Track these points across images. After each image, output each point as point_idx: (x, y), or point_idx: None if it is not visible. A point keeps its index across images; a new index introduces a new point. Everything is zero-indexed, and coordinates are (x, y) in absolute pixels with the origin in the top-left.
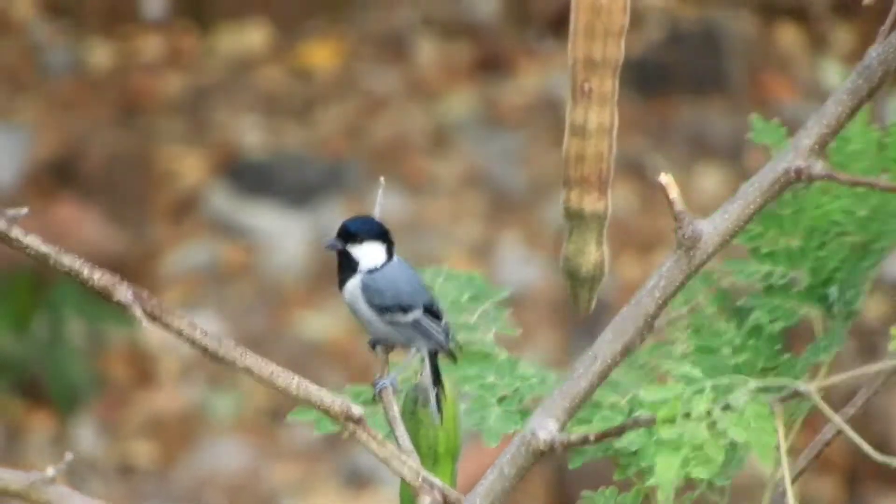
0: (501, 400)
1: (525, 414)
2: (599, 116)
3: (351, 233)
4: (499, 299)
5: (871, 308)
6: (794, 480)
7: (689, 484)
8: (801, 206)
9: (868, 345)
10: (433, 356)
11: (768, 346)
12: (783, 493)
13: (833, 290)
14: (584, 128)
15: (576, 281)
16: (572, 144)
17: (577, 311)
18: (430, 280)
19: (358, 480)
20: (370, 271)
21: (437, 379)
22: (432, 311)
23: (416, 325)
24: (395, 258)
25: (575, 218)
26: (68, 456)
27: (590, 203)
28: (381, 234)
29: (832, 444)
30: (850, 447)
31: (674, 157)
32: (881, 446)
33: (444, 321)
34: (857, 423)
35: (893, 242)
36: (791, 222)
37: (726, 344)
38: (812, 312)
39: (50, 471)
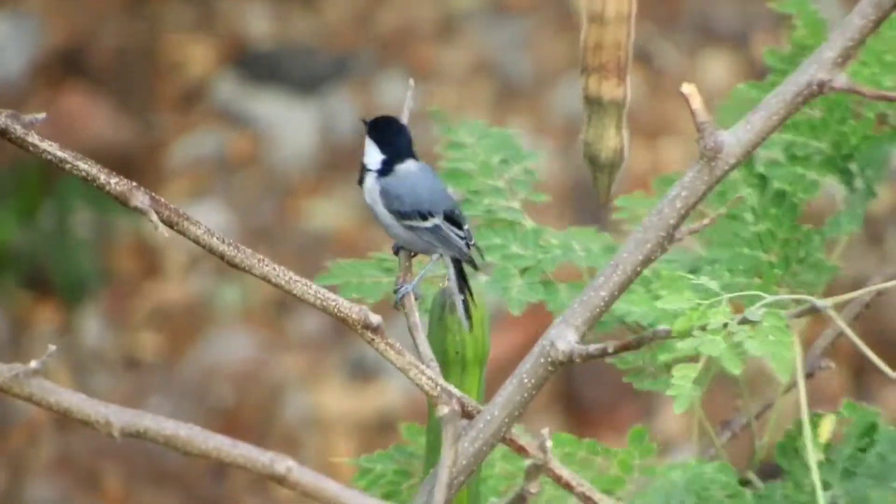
0: (524, 271)
1: (549, 284)
2: (618, 4)
3: (381, 135)
4: (529, 164)
5: (879, 198)
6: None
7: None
8: None
9: (875, 234)
10: (457, 262)
11: (789, 216)
12: (820, 355)
13: (854, 166)
14: (601, 15)
15: (596, 166)
16: (591, 32)
17: (598, 196)
18: (464, 136)
19: (364, 372)
20: (389, 174)
21: (463, 285)
22: (453, 219)
23: (435, 231)
24: (417, 162)
25: (594, 105)
26: (51, 348)
27: (608, 90)
28: (407, 141)
29: (840, 336)
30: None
31: (680, 44)
32: (888, 337)
33: (465, 227)
34: (866, 317)
35: None
36: None
37: (748, 210)
38: (833, 186)
39: (33, 363)
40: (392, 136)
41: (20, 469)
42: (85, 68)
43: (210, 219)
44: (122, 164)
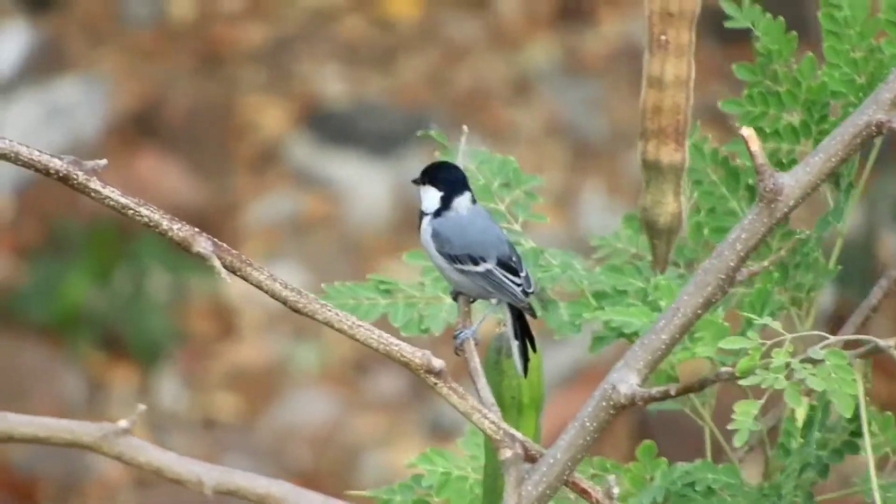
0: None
1: (550, 304)
2: (676, 68)
3: (434, 176)
4: (529, 187)
5: None
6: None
7: None
8: (796, 81)
9: None
10: (514, 307)
11: (780, 226)
12: None
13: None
14: (660, 80)
15: (654, 232)
16: (649, 96)
17: (656, 262)
18: (463, 163)
19: (441, 432)
20: (442, 216)
21: (520, 330)
22: (508, 265)
23: (487, 276)
24: (475, 205)
25: (652, 169)
26: (140, 408)
27: (667, 154)
28: (461, 180)
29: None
30: None
31: None
32: None
33: (523, 274)
34: None
35: None
36: (790, 98)
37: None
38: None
39: (122, 423)
40: (445, 176)
41: None
42: (158, 130)
43: (286, 280)
44: (197, 225)
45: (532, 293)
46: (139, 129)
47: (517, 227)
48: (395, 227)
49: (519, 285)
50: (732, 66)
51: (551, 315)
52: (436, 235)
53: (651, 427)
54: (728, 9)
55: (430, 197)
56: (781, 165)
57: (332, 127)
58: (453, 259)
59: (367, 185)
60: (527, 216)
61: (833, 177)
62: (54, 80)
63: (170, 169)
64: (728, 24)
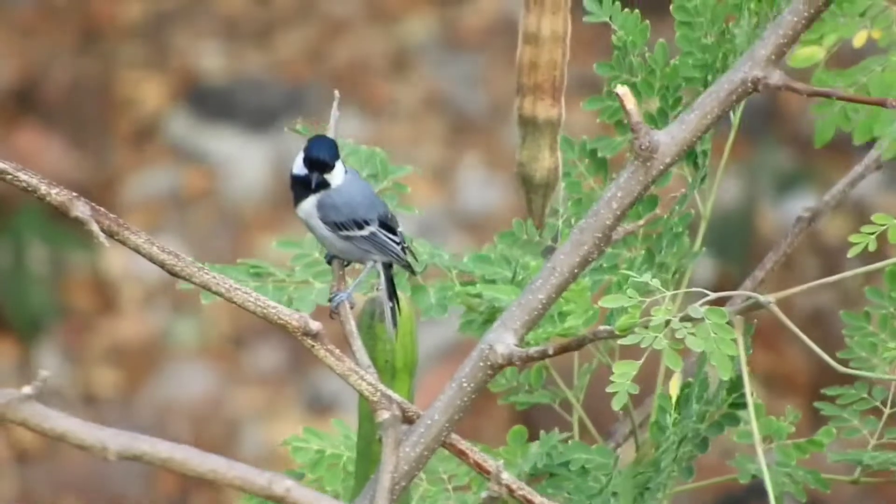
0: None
1: (418, 288)
2: (552, 24)
3: (323, 163)
4: (397, 177)
5: (833, 228)
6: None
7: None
8: (650, 69)
9: (830, 264)
10: (388, 269)
11: (648, 210)
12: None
13: (696, 145)
14: (537, 35)
15: (530, 187)
16: (525, 52)
17: (533, 218)
18: (335, 130)
19: (320, 406)
20: (322, 187)
21: (392, 293)
22: (387, 225)
23: (371, 238)
24: (348, 172)
25: (528, 125)
26: (43, 373)
27: (543, 110)
28: (332, 156)
29: (795, 365)
30: (813, 367)
31: None
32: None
33: (399, 230)
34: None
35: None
36: (646, 87)
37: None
38: (685, 169)
39: (27, 389)
40: (316, 156)
41: None
42: (38, 105)
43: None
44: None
45: (408, 248)
46: (19, 104)
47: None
48: (275, 201)
49: (398, 244)
50: (594, 65)
51: (418, 297)
52: (321, 206)
53: (532, 413)
54: (589, 4)
55: (338, 172)
56: None
57: (210, 102)
58: (338, 227)
59: (246, 159)
60: (395, 206)
61: (691, 157)
62: None
63: (50, 144)
64: (587, 20)
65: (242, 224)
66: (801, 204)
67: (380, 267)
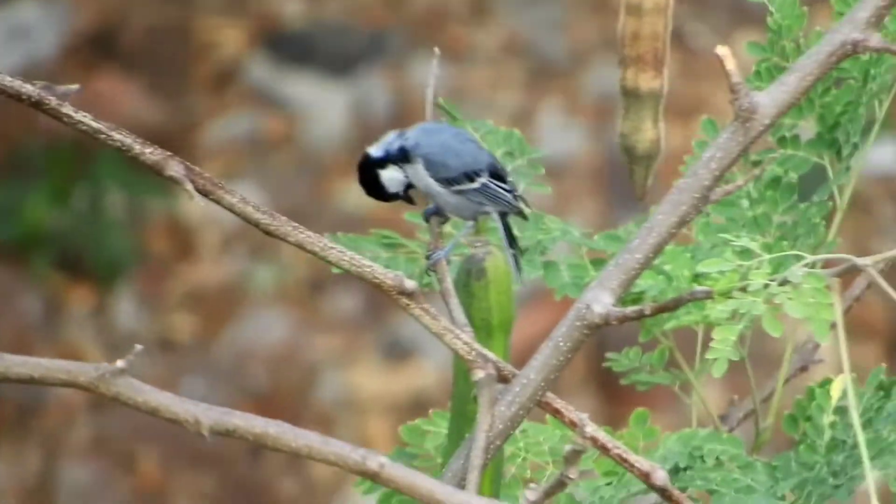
0: (525, 250)
1: (550, 265)
2: None
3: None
4: (534, 157)
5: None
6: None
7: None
8: (803, 54)
9: (865, 205)
10: (504, 218)
11: (785, 197)
12: (813, 349)
13: (840, 134)
14: (639, 7)
15: (633, 158)
16: (628, 23)
17: (636, 188)
18: (473, 133)
19: (399, 351)
20: (420, 147)
21: (512, 241)
22: (497, 174)
23: (484, 189)
24: (446, 126)
25: (631, 96)
26: (137, 347)
27: (646, 81)
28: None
29: (874, 310)
30: (892, 314)
31: (714, 25)
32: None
33: (510, 180)
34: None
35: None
36: None
37: (744, 196)
38: (825, 159)
39: (119, 363)
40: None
41: (55, 451)
42: (116, 51)
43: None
44: (156, 145)
45: (519, 196)
46: (97, 50)
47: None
48: (354, 147)
49: (510, 192)
50: (746, 45)
51: (551, 275)
52: (430, 165)
53: (609, 349)
54: None
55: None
56: (783, 141)
57: (290, 47)
58: (450, 182)
59: (326, 105)
60: (529, 184)
61: (832, 147)
62: (12, 2)
63: (129, 89)
64: None
65: (322, 171)
66: (883, 151)
67: (496, 216)
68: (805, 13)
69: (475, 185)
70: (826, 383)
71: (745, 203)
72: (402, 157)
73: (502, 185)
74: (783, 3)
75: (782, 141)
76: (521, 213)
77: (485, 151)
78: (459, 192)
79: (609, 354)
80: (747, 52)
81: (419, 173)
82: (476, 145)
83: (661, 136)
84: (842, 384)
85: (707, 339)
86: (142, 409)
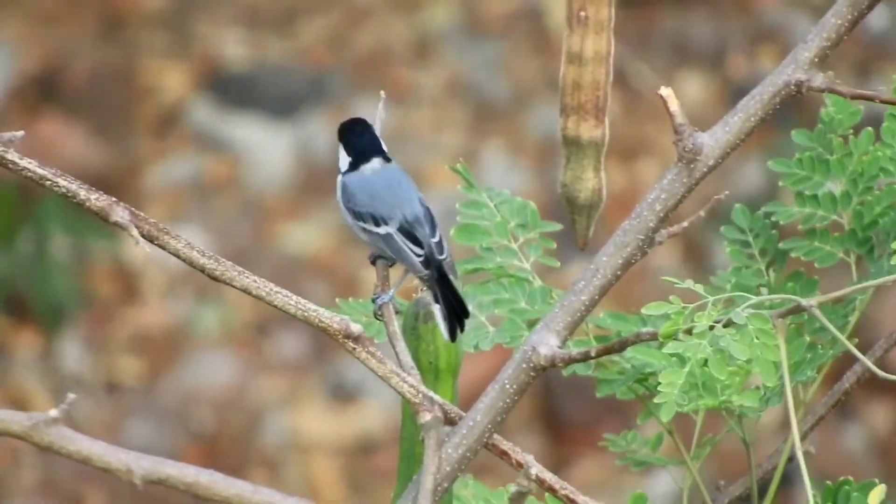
0: (532, 324)
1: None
2: (596, 44)
3: (345, 138)
4: (545, 231)
5: None
6: (812, 427)
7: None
8: (849, 151)
9: None
10: (440, 271)
11: (806, 291)
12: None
13: (875, 234)
14: (580, 55)
15: (574, 208)
16: (569, 72)
17: (577, 239)
18: (487, 200)
19: (345, 393)
20: (352, 173)
21: (448, 294)
22: (410, 232)
23: (386, 240)
24: (387, 165)
25: (572, 145)
26: (70, 397)
27: (587, 130)
28: (370, 145)
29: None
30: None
31: (656, 65)
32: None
33: (435, 240)
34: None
35: None
36: (838, 167)
37: (763, 282)
38: (850, 257)
39: (53, 412)
40: (356, 137)
41: (2, 492)
42: (60, 94)
43: (200, 247)
44: (99, 188)
45: (444, 260)
46: (41, 92)
47: (527, 265)
48: (298, 189)
49: (419, 255)
50: (791, 133)
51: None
52: (344, 189)
53: (555, 390)
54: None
55: (343, 156)
56: (813, 233)
57: (233, 89)
58: (358, 216)
59: (269, 147)
60: (537, 257)
61: (864, 245)
62: None
63: (72, 132)
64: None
65: (265, 213)
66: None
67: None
68: (860, 111)
69: (380, 230)
70: (869, 484)
71: (763, 291)
72: (349, 167)
73: (409, 243)
74: (838, 99)
75: (811, 232)
76: (429, 280)
77: (414, 204)
78: (366, 232)
79: (606, 436)
80: (794, 139)
81: (338, 196)
82: (404, 196)
83: (603, 184)
84: (880, 494)
85: (706, 425)
86: (74, 458)
